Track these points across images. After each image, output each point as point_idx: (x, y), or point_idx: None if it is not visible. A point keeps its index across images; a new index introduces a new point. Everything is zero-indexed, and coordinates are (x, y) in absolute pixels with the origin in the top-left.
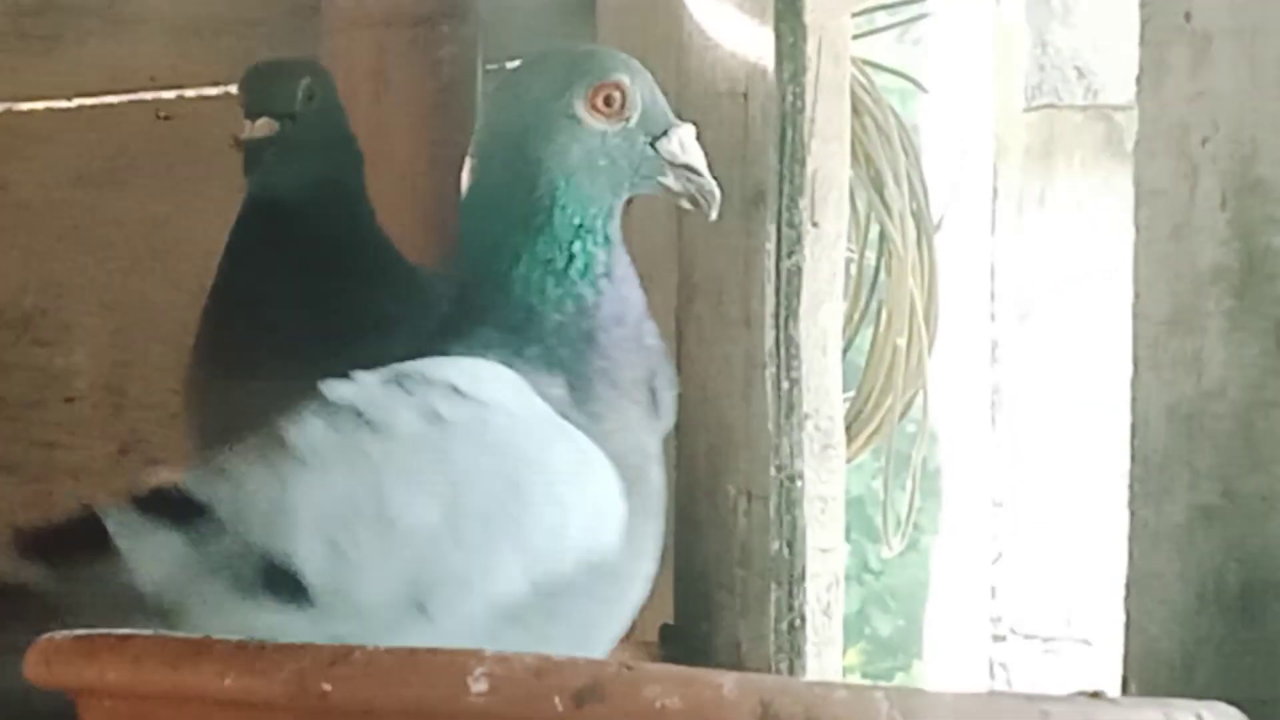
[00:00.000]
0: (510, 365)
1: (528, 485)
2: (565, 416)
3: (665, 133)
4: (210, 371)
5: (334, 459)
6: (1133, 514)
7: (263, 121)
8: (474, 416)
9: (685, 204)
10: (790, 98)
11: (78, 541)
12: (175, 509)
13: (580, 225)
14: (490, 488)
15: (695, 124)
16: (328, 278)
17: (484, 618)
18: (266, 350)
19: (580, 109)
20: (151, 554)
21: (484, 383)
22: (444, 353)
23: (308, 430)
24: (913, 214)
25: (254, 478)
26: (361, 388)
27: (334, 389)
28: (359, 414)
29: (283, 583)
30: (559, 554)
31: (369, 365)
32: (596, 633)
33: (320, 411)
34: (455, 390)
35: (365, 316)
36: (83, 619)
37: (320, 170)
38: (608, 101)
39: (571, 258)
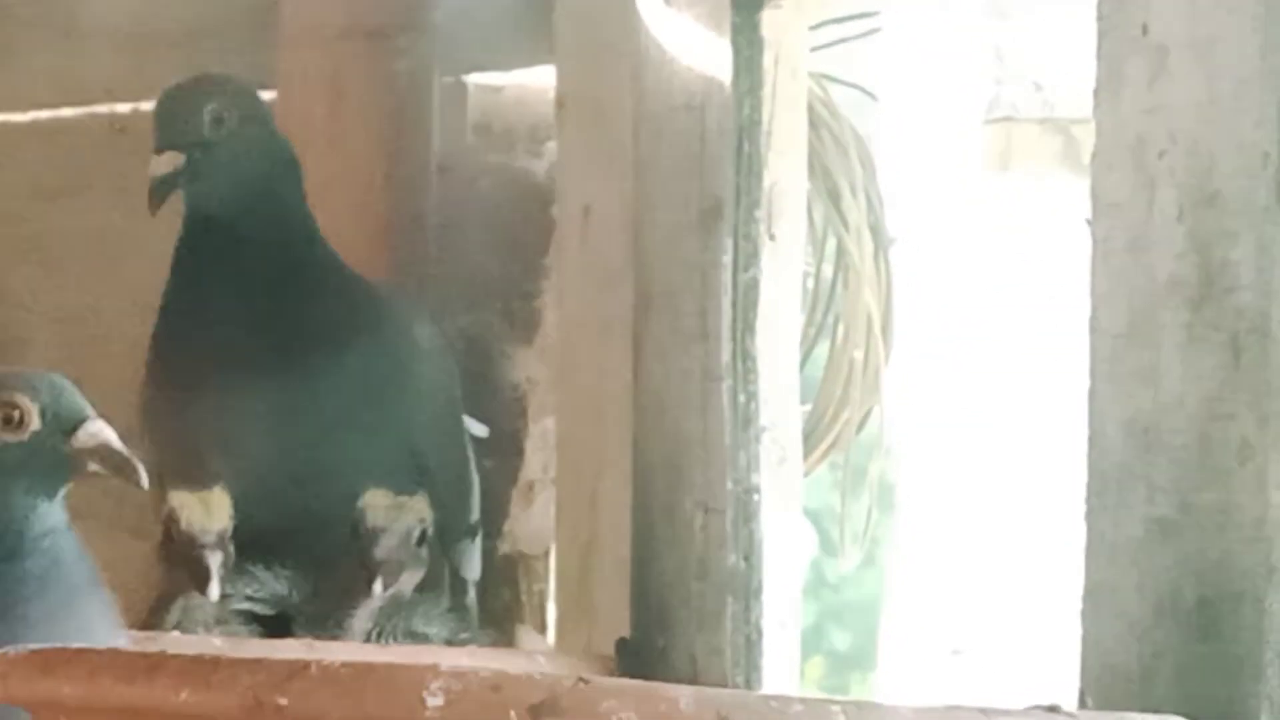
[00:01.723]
0: None
1: None
2: None
3: (77, 428)
4: (163, 389)
5: None
6: (1089, 527)
7: (167, 156)
8: None
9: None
10: (747, 110)
11: None
12: None
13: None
14: None
15: (653, 137)
16: (273, 292)
17: None
18: (218, 366)
19: None
20: None
21: None
22: None
23: None
24: (870, 227)
25: None
26: None
27: None
28: None
29: None
30: None
31: (322, 377)
32: None
33: None
34: None
35: (315, 329)
36: None
37: (249, 189)
38: (6, 419)
39: None
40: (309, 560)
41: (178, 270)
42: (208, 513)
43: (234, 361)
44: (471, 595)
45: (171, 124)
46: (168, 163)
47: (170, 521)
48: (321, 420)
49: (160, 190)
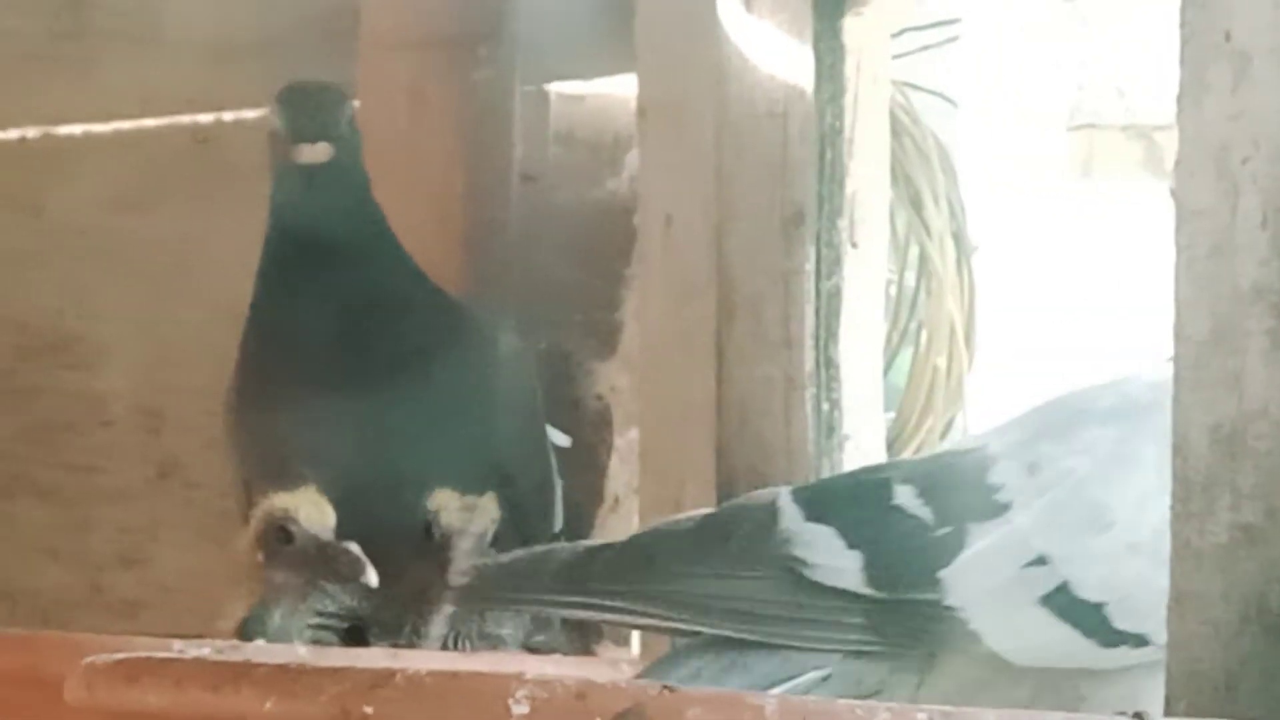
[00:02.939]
0: None
1: None
2: None
3: None
4: (250, 401)
5: None
6: (1174, 534)
7: (323, 145)
8: None
9: None
10: (829, 118)
11: None
12: None
13: None
14: None
15: (736, 146)
16: (359, 303)
17: None
18: (306, 376)
19: None
20: None
21: None
22: None
23: None
24: (952, 235)
25: None
26: None
27: None
28: None
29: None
30: None
31: (409, 387)
32: None
33: None
34: None
35: (403, 344)
36: None
37: (350, 197)
38: None
39: None
40: (380, 569)
41: (266, 276)
42: (321, 510)
43: (322, 371)
44: None
45: (322, 115)
46: (324, 151)
47: (288, 522)
48: (407, 429)
49: (312, 179)
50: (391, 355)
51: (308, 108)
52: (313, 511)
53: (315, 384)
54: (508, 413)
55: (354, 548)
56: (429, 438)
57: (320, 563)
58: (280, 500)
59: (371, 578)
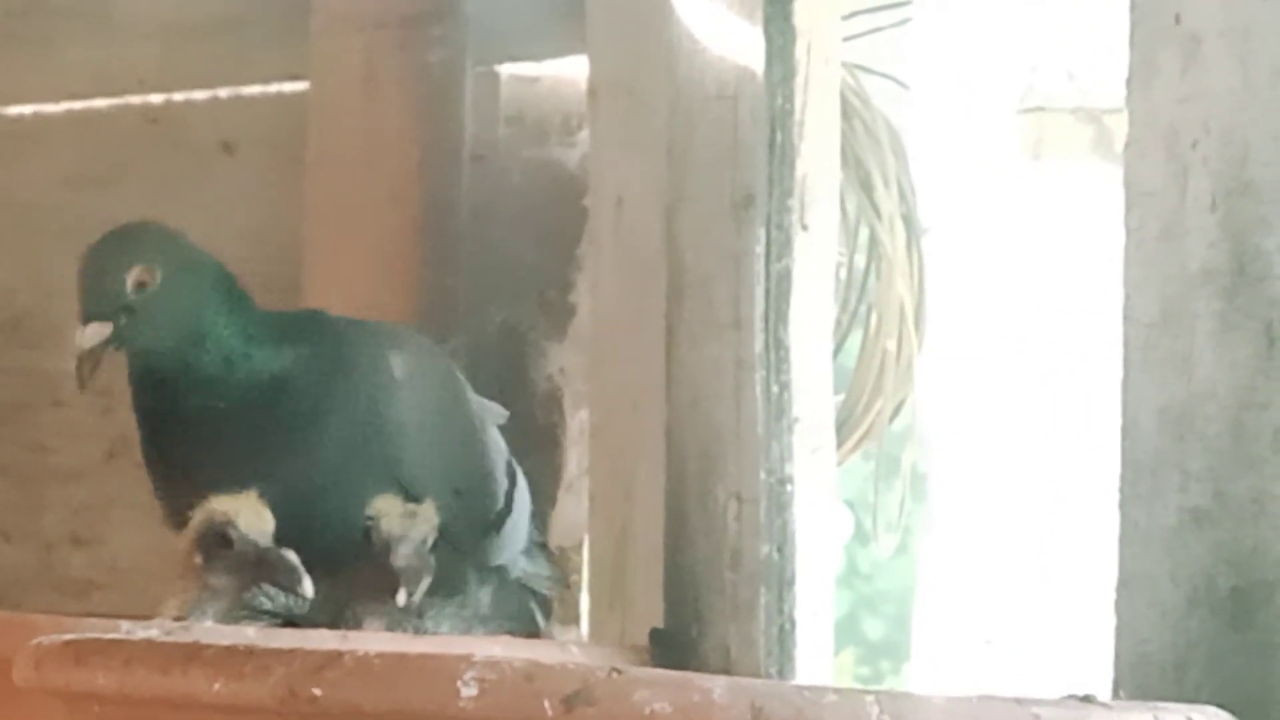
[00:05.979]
0: None
1: None
2: None
3: None
4: (167, 490)
5: None
6: (1123, 516)
7: (93, 328)
8: None
9: None
10: (780, 100)
11: None
12: None
13: None
14: None
15: (687, 127)
16: (234, 407)
17: None
18: (203, 474)
19: None
20: None
21: None
22: None
23: None
24: (902, 217)
25: None
26: None
27: None
28: None
29: None
30: None
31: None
32: None
33: None
34: None
35: (291, 419)
36: None
37: (183, 331)
38: None
39: None
40: (314, 571)
41: (138, 411)
42: (260, 516)
43: (218, 467)
44: (520, 564)
45: (95, 293)
46: (94, 334)
47: (227, 528)
48: (319, 476)
49: (88, 363)
50: (285, 431)
51: (85, 285)
52: (252, 518)
53: (223, 476)
54: (431, 421)
55: (292, 556)
56: (340, 478)
57: (258, 569)
58: (220, 505)
59: (307, 589)
